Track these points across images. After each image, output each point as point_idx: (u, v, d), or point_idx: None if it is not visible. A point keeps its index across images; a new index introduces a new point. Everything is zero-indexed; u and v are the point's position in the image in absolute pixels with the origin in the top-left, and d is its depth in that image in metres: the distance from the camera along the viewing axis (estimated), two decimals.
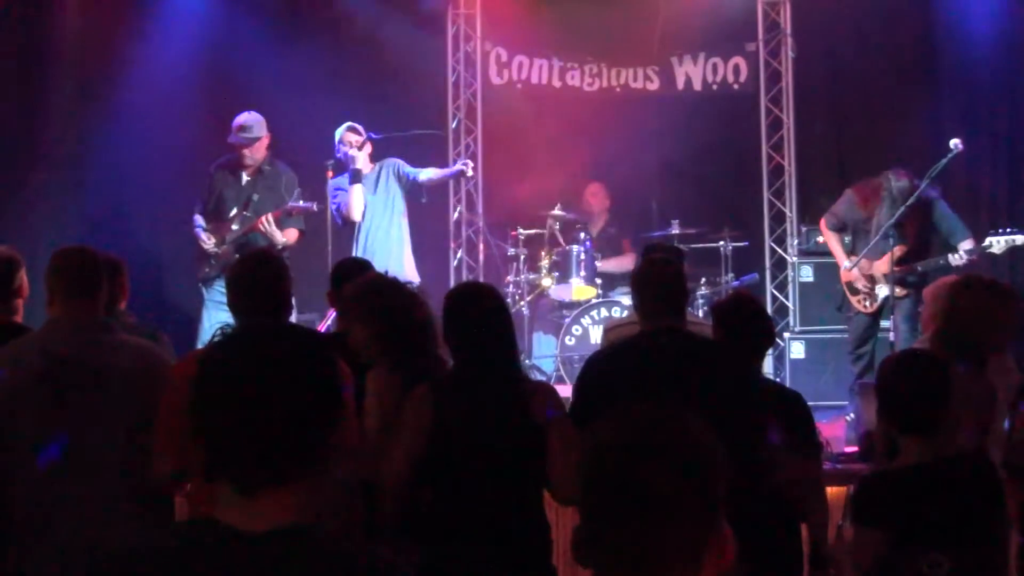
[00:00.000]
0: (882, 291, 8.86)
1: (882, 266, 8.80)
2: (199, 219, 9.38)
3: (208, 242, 9.23)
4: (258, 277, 4.49)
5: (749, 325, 5.05)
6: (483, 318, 4.45)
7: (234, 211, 9.23)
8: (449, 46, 12.21)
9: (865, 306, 9.01)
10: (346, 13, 11.72)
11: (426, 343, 4.74)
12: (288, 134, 11.30)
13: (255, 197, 9.22)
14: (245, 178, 9.28)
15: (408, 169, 9.66)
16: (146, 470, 4.19)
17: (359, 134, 9.67)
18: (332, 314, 8.55)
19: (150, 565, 2.12)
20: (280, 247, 8.97)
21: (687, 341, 4.79)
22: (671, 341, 4.72)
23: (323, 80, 11.56)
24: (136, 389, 4.28)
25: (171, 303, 10.51)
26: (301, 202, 9.02)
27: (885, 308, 8.98)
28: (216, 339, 2.30)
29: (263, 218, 9.03)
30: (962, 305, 4.97)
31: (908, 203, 8.55)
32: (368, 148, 9.65)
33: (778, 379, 10.47)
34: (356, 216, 9.57)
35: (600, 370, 4.87)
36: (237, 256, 8.58)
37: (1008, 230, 8.69)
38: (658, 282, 4.88)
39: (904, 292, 8.79)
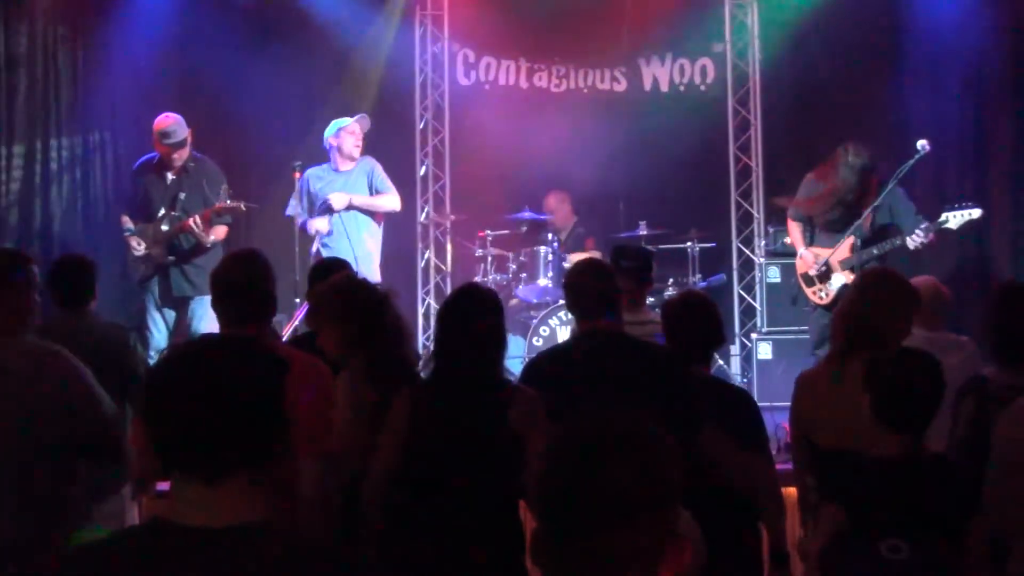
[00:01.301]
0: (838, 280, 8.76)
1: (839, 254, 8.74)
2: (127, 222, 9.30)
3: (138, 248, 9.14)
4: (243, 279, 4.48)
5: (696, 324, 5.05)
6: (472, 323, 4.43)
7: (162, 211, 9.14)
8: (416, 47, 12.20)
9: (820, 297, 8.89)
10: (313, 14, 11.68)
11: (396, 343, 4.73)
12: (255, 134, 11.29)
13: (182, 196, 9.14)
14: (170, 177, 9.18)
15: (382, 179, 9.72)
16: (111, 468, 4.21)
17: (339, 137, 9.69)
18: (300, 314, 8.54)
19: (109, 566, 2.18)
20: (209, 246, 9.02)
21: (618, 341, 4.80)
22: (602, 342, 4.73)
23: (291, 81, 11.54)
24: (24, 391, 4.28)
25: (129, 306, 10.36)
26: (228, 201, 8.97)
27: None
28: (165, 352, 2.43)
29: (191, 220, 8.95)
30: (856, 296, 4.97)
31: (874, 204, 8.53)
32: (352, 144, 9.68)
33: (745, 380, 10.50)
34: (290, 211, 9.77)
35: (539, 372, 4.89)
36: (211, 255, 8.64)
37: (964, 204, 8.62)
38: (585, 285, 4.89)
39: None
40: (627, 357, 4.72)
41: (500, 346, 4.53)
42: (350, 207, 9.58)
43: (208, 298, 4.68)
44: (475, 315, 4.47)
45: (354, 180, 9.71)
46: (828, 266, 8.78)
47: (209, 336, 2.70)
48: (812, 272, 8.91)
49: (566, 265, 10.57)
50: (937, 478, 3.96)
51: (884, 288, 4.93)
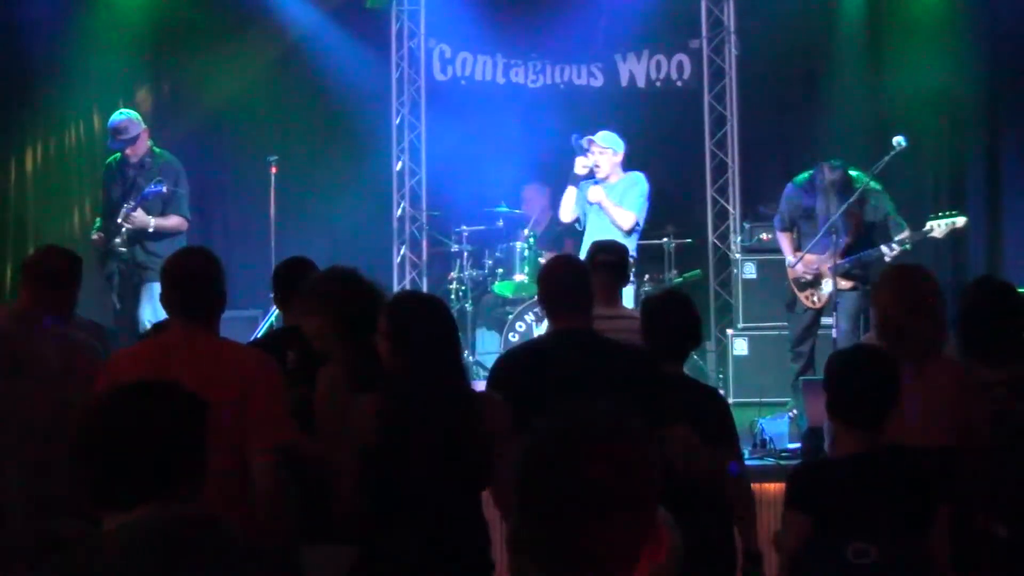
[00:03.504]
0: (828, 286, 8.79)
1: (827, 260, 8.75)
2: (98, 222, 9.37)
3: (101, 246, 9.20)
4: (195, 272, 4.46)
5: (674, 323, 5.04)
6: (435, 332, 4.38)
7: (124, 206, 9.18)
8: (393, 42, 12.18)
9: (813, 302, 8.95)
10: (291, 9, 11.66)
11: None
12: (230, 129, 11.25)
13: (135, 190, 9.18)
14: (130, 173, 9.24)
15: (634, 198, 9.42)
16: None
17: (592, 145, 9.52)
18: (274, 309, 8.50)
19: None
20: (152, 230, 9.03)
21: (588, 340, 4.77)
22: (572, 341, 4.71)
23: (268, 75, 11.51)
24: (56, 383, 4.37)
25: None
26: (152, 185, 9.01)
27: (829, 305, 8.91)
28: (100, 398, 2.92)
29: (122, 214, 8.98)
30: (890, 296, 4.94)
31: (851, 200, 8.53)
32: (602, 159, 9.47)
33: (720, 376, 10.51)
34: (563, 216, 9.63)
35: (506, 372, 4.85)
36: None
37: (948, 212, 8.64)
38: (557, 281, 4.87)
39: (849, 284, 8.74)
40: (596, 356, 4.70)
41: (459, 343, 4.50)
42: (601, 203, 9.42)
43: (155, 284, 4.69)
44: (431, 323, 4.42)
45: (612, 189, 9.50)
46: (819, 272, 8.83)
47: (133, 387, 2.88)
48: (803, 279, 8.96)
49: (541, 260, 10.56)
50: (896, 471, 3.99)
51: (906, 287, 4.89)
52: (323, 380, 4.57)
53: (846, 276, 8.73)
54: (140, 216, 8.98)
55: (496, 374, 4.90)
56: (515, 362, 4.94)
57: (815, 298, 8.95)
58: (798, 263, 8.93)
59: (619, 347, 4.88)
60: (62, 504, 4.26)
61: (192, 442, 2.77)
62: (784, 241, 9.23)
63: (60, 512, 4.22)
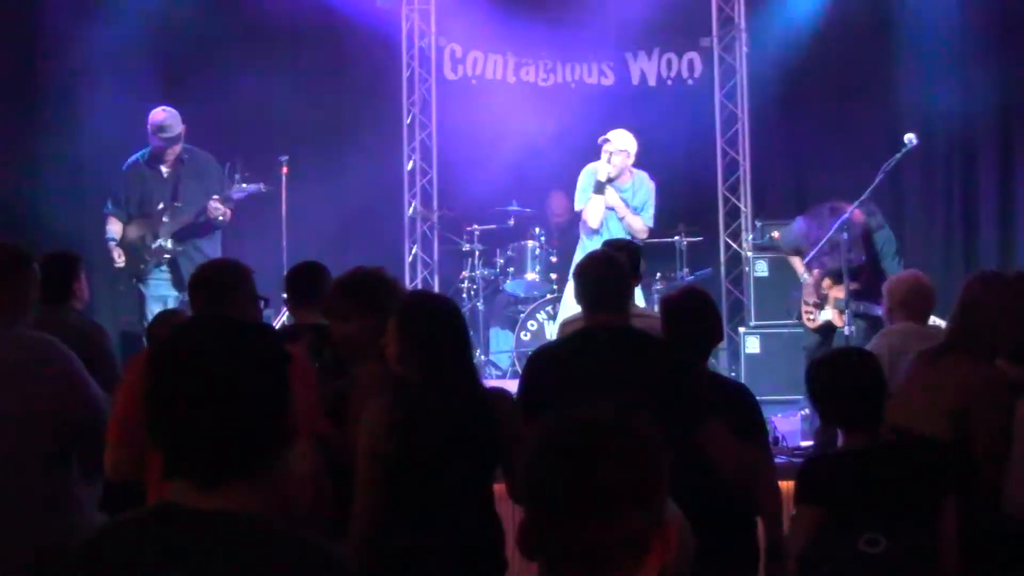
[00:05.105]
0: (826, 315, 8.80)
1: (837, 291, 8.71)
2: (112, 231, 9.28)
3: (119, 260, 9.14)
4: (207, 282, 4.49)
5: (697, 320, 5.04)
6: (444, 333, 4.37)
7: (162, 205, 9.14)
8: (404, 42, 12.19)
9: (810, 319, 8.94)
10: (302, 8, 11.68)
11: None
12: (242, 127, 11.26)
13: (181, 187, 9.16)
14: (165, 171, 9.20)
15: (650, 208, 9.42)
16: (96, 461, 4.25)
17: (607, 145, 9.46)
18: (286, 310, 8.51)
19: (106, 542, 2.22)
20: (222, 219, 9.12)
21: (623, 335, 4.78)
22: (607, 336, 4.71)
23: (278, 75, 11.52)
24: (21, 381, 4.37)
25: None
26: (244, 185, 8.98)
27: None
28: (167, 334, 2.34)
29: (218, 208, 8.97)
30: (980, 299, 4.91)
31: (845, 211, 8.46)
32: (617, 159, 9.42)
33: (732, 374, 10.50)
34: (591, 223, 9.36)
35: (541, 366, 4.86)
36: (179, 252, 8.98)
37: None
38: (596, 277, 4.87)
39: (842, 323, 8.67)
40: (633, 352, 4.71)
41: (470, 342, 4.50)
42: (611, 207, 9.37)
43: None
44: (441, 323, 4.40)
45: (626, 192, 9.48)
46: (826, 298, 8.81)
47: (210, 322, 2.42)
48: (810, 300, 8.95)
49: (553, 259, 10.57)
50: (903, 462, 4.00)
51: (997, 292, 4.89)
52: (364, 377, 4.56)
53: (841, 312, 8.64)
54: (216, 205, 8.99)
55: (527, 370, 4.91)
56: (549, 358, 4.94)
57: (812, 316, 8.92)
58: (810, 279, 8.92)
59: (653, 343, 4.89)
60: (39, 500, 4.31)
61: (285, 396, 2.29)
62: (796, 263, 9.22)
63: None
